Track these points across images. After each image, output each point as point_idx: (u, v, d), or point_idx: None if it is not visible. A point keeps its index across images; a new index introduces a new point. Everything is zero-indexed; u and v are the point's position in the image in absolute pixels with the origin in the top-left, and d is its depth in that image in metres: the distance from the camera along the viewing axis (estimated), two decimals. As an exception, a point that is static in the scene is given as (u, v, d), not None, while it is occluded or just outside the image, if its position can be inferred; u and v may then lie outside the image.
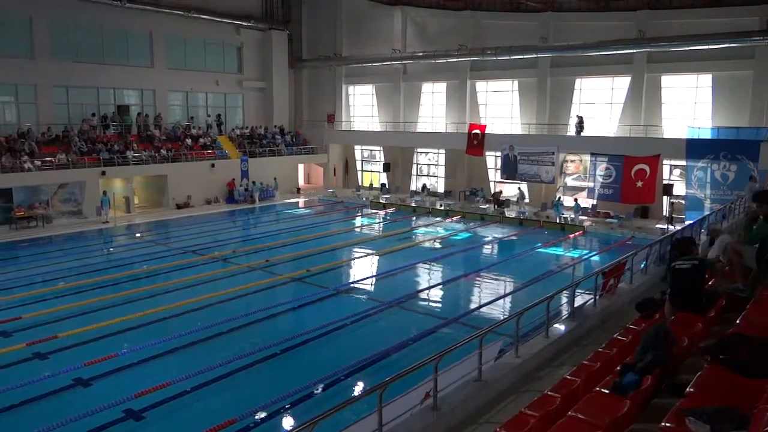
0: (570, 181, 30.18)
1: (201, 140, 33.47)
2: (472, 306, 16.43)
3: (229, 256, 21.07)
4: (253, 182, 33.37)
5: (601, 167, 27.18)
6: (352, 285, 18.03)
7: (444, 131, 34.19)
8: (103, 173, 27.79)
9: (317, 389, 10.65)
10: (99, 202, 27.12)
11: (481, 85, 33.84)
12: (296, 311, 15.68)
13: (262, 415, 9.72)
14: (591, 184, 27.98)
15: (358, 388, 10.83)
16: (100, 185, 27.68)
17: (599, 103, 29.72)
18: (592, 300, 12.03)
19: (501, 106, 33.09)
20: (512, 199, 29.99)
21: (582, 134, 29.07)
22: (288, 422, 9.58)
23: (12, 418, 9.75)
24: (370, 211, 31.79)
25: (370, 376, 11.14)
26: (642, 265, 13.48)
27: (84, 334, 13.25)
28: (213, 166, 32.32)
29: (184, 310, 15.02)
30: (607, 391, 6.44)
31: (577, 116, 29.52)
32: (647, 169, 25.81)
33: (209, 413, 9.78)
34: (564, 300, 13.22)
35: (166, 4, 32.25)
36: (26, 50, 28.32)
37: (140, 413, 9.79)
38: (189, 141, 32.80)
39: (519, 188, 30.30)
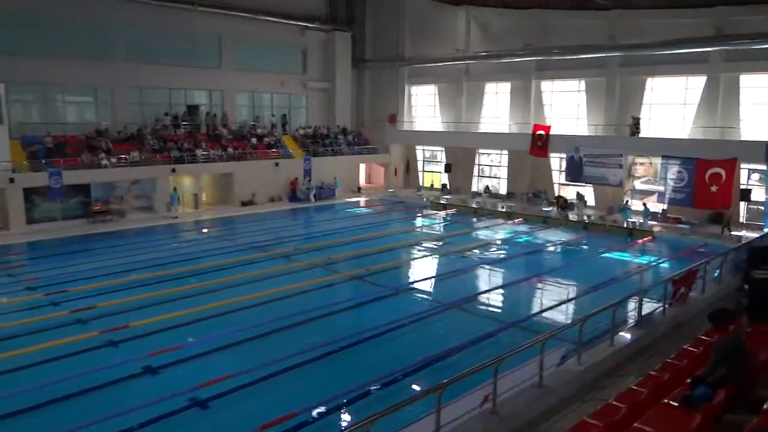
0: (639, 185, 29.14)
1: (266, 139, 34.29)
2: (534, 310, 16.10)
3: (291, 254, 21.50)
4: (309, 180, 33.83)
5: (673, 170, 26.14)
6: (411, 285, 18.02)
7: (507, 132, 33.71)
8: (173, 170, 28.90)
9: (375, 387, 10.71)
10: (169, 198, 28.26)
11: (546, 85, 33.17)
12: (356, 309, 15.81)
13: (321, 410, 9.86)
14: (661, 188, 26.95)
15: (416, 388, 10.81)
16: (170, 182, 28.83)
17: (672, 104, 28.53)
18: (661, 308, 11.60)
19: (567, 107, 32.31)
20: (576, 202, 29.22)
21: (640, 136, 28.19)
22: (346, 419, 9.67)
23: (84, 402, 10.26)
24: (430, 211, 31.71)
25: (428, 376, 11.10)
26: (716, 274, 12.90)
27: (153, 325, 13.82)
28: (277, 164, 33.05)
29: (247, 305, 15.42)
30: (676, 404, 6.20)
31: (633, 117, 28.57)
32: (723, 173, 24.65)
33: (270, 406, 10.00)
34: (631, 307, 12.78)
35: (235, 8, 33.21)
36: (104, 53, 29.77)
37: (205, 402, 10.12)
38: (254, 140, 33.67)
39: (577, 192, 29.43)
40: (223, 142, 32.32)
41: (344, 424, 9.44)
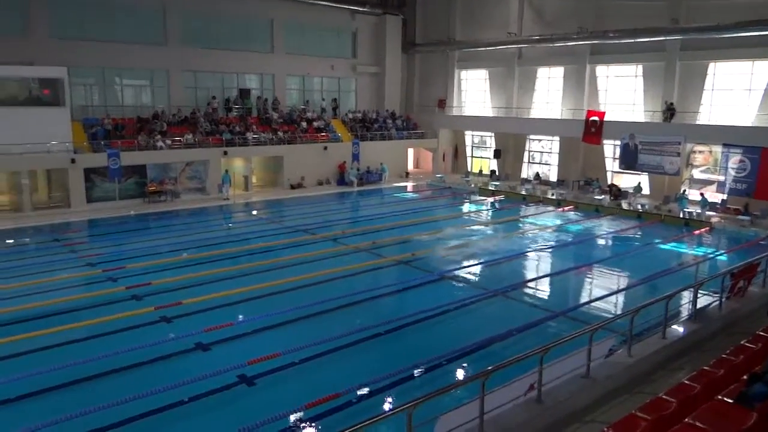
0: (697, 174, 28.08)
1: (315, 123, 34.57)
2: (582, 300, 15.80)
3: (338, 237, 21.71)
4: (356, 164, 33.92)
5: (734, 159, 25.08)
6: (457, 271, 17.93)
7: (559, 118, 32.97)
8: (225, 153, 29.50)
9: (419, 372, 10.75)
10: (221, 180, 28.90)
11: (601, 70, 32.18)
12: (401, 293, 15.87)
13: (365, 392, 9.97)
14: (721, 178, 25.89)
15: (460, 374, 10.80)
16: (222, 164, 29.46)
17: (736, 90, 27.25)
18: (718, 302, 11.21)
19: (622, 92, 31.31)
20: (629, 191, 28.38)
21: (672, 122, 27.47)
22: (389, 401, 9.75)
23: (139, 374, 10.68)
24: (478, 197, 31.43)
25: (472, 363, 11.08)
26: (778, 268, 12.36)
27: (205, 302, 14.24)
28: (326, 148, 33.31)
29: (294, 286, 15.69)
30: (731, 401, 6.00)
31: (666, 102, 27.54)
32: (789, 162, 23.48)
33: (314, 385, 10.16)
34: (685, 300, 12.40)
35: (287, -8, 33.51)
36: (160, 38, 30.57)
37: (252, 379, 10.38)
38: (304, 124, 34.00)
39: (638, 183, 28.54)
40: (273, 126, 32.76)
41: (387, 406, 9.53)
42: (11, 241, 20.85)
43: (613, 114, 30.31)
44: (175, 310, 13.80)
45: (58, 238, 21.15)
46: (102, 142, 26.47)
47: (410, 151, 39.35)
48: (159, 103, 30.88)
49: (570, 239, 22.50)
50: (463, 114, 38.81)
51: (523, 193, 31.01)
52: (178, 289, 15.27)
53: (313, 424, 9.05)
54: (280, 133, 32.25)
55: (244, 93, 34.15)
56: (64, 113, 25.53)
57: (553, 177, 33.73)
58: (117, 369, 10.75)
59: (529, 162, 35.78)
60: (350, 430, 5.82)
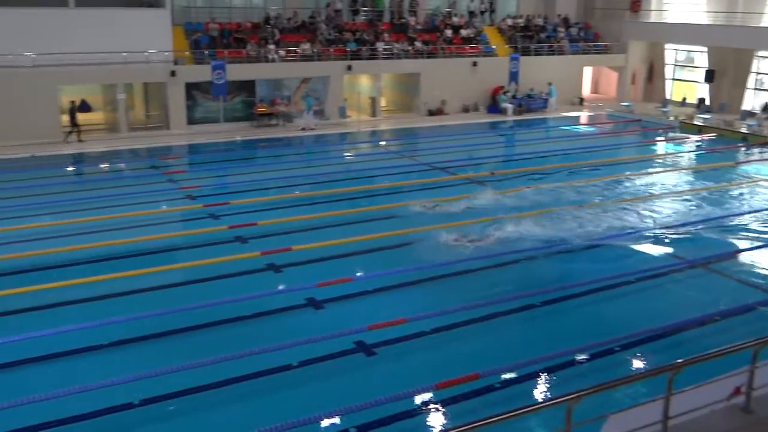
0: None
1: (463, 32, 34.09)
2: (819, 281, 14.64)
3: (486, 179, 21.58)
4: (513, 84, 33.22)
5: None
6: (641, 232, 17.19)
7: (806, 26, 30.05)
8: (349, 68, 30.03)
9: (583, 358, 10.60)
10: (305, 104, 28.97)
11: None
12: (562, 256, 15.53)
13: (512, 375, 10.01)
14: None
15: (638, 365, 10.52)
16: (344, 82, 30.04)
17: None
18: None
19: None
20: None
21: None
22: (543, 390, 9.74)
23: (241, 330, 11.48)
24: (678, 135, 29.83)
25: (655, 353, 10.75)
26: None
27: (318, 251, 14.91)
28: (475, 64, 32.87)
29: (428, 237, 15.87)
30: None
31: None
32: None
33: (449, 362, 10.39)
34: None
35: None
36: None
37: (371, 348, 10.78)
38: (449, 32, 33.65)
39: None
40: (410, 34, 32.76)
41: (540, 397, 9.52)
42: (105, 165, 22.97)
43: None
44: (284, 257, 14.57)
45: (156, 165, 22.97)
46: (206, 52, 27.95)
47: (587, 71, 38.07)
48: (272, 5, 31.86)
49: (808, 197, 20.74)
50: (665, 20, 36.44)
51: (744, 130, 28.91)
52: (288, 233, 16.13)
53: (444, 408, 9.26)
54: (418, 44, 32.21)
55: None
56: (163, 16, 27.14)
57: (791, 110, 31.09)
58: (216, 321, 11.60)
59: (755, 88, 33.20)
60: (493, 419, 5.88)
